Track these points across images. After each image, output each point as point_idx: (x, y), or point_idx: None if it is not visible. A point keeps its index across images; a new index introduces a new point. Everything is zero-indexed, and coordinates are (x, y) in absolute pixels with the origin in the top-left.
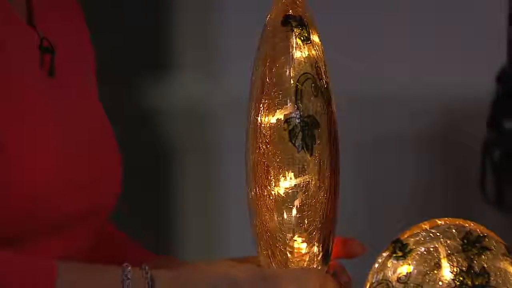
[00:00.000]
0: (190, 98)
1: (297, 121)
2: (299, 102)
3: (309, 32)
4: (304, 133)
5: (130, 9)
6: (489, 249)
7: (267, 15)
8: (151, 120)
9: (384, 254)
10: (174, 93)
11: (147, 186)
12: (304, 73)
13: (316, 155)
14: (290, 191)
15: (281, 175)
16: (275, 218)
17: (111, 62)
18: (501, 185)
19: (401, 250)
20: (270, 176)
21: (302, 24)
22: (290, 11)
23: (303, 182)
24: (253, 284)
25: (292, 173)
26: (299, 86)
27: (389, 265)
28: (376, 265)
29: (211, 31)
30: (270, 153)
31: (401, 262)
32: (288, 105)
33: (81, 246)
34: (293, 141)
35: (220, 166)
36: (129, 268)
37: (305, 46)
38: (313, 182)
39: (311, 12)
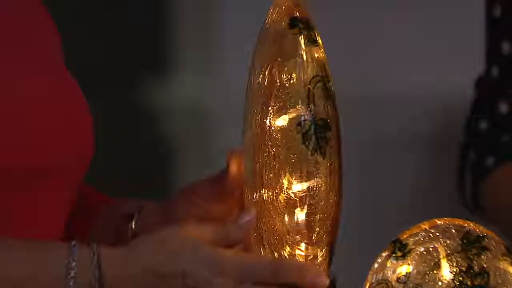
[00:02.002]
0: (190, 98)
1: (310, 123)
2: (311, 104)
3: (315, 34)
4: (317, 135)
5: (130, 9)
6: (489, 249)
7: (266, 17)
8: (151, 120)
9: (384, 254)
10: (174, 93)
11: (147, 186)
12: (315, 76)
13: (328, 157)
14: (302, 193)
15: (293, 178)
16: (286, 221)
17: (112, 62)
18: (476, 188)
19: (401, 250)
20: (281, 179)
21: (309, 26)
22: (297, 13)
23: (315, 185)
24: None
25: (305, 176)
26: (311, 88)
27: (388, 265)
28: (376, 265)
29: (211, 31)
30: (281, 156)
31: (400, 262)
32: (301, 107)
33: (54, 210)
34: (307, 144)
35: (220, 166)
36: (76, 247)
37: (314, 48)
38: (324, 185)
39: (311, 13)
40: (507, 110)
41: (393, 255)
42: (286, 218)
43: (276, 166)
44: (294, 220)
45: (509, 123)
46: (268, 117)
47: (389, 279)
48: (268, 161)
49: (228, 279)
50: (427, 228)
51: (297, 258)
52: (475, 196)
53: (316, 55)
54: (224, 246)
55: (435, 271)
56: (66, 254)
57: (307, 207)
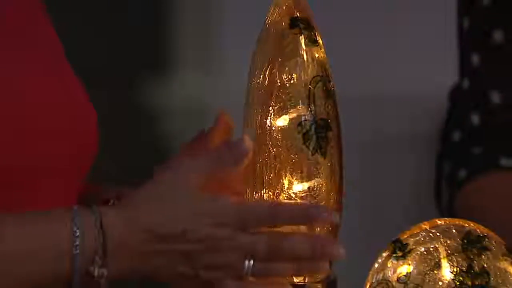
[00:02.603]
0: (190, 98)
1: (311, 124)
2: (312, 105)
3: (316, 34)
4: (318, 135)
5: (130, 9)
6: (489, 249)
7: (266, 17)
8: (151, 120)
9: (384, 254)
10: (174, 93)
11: None
12: (315, 76)
13: (328, 157)
14: (303, 194)
15: (294, 178)
16: None
17: (112, 62)
18: (452, 196)
19: (401, 250)
20: (282, 179)
21: (309, 26)
22: (297, 13)
23: (316, 185)
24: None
25: (305, 176)
26: (312, 89)
27: (389, 265)
28: (376, 265)
29: (211, 31)
30: (282, 156)
31: (401, 262)
32: (301, 108)
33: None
34: (307, 144)
35: None
36: (79, 215)
37: (314, 48)
38: (325, 185)
39: (311, 13)
40: (479, 122)
41: (394, 255)
42: None
43: (277, 166)
44: None
45: (480, 135)
46: (269, 117)
47: (390, 279)
48: (268, 161)
49: (230, 229)
50: (428, 228)
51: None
52: (451, 206)
53: (317, 55)
54: (220, 176)
55: (435, 271)
56: (69, 223)
57: None
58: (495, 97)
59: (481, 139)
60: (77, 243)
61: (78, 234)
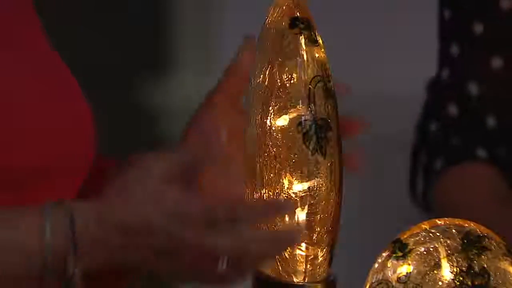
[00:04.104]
0: (190, 98)
1: (311, 123)
2: (312, 104)
3: (316, 34)
4: (317, 135)
5: (130, 9)
6: (489, 249)
7: (266, 17)
8: (151, 120)
9: (384, 254)
10: (174, 93)
11: None
12: (315, 76)
13: (328, 157)
14: (303, 193)
15: (294, 178)
16: (286, 221)
17: (112, 62)
18: (427, 187)
19: (401, 250)
20: (282, 179)
21: (309, 26)
22: (297, 13)
23: (316, 185)
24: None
25: (305, 176)
26: (312, 88)
27: (389, 265)
28: (376, 265)
29: (211, 31)
30: (282, 156)
31: (401, 262)
32: (301, 107)
33: None
34: (307, 144)
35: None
36: (49, 210)
37: (314, 48)
38: (325, 185)
39: (311, 13)
40: (457, 112)
41: (394, 255)
42: (287, 218)
43: (277, 166)
44: (295, 220)
45: (458, 126)
46: (269, 117)
47: (390, 279)
48: (268, 161)
49: (195, 229)
50: (428, 228)
51: (299, 258)
52: (426, 197)
53: (317, 55)
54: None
55: (435, 271)
56: (39, 219)
57: (308, 207)
58: (473, 88)
59: (458, 130)
60: (48, 242)
61: (48, 235)
